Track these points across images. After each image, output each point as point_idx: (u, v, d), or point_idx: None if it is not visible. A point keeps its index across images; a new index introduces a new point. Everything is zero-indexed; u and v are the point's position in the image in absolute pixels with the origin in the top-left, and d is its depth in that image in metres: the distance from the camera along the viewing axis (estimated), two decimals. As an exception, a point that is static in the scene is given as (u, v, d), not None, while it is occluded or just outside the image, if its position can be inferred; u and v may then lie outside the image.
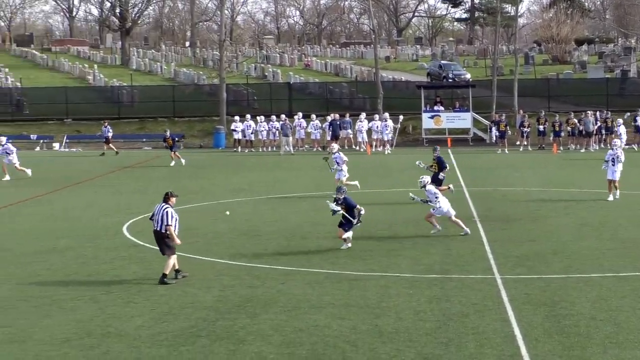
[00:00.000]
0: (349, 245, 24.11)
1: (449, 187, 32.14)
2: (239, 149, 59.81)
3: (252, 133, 60.37)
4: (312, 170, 41.92)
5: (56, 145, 63.97)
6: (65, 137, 64.79)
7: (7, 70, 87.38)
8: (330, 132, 57.94)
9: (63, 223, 29.48)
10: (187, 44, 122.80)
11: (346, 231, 23.78)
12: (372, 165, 39.04)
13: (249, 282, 21.13)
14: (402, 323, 16.67)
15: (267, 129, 59.84)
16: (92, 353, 15.83)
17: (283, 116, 59.35)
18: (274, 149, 59.54)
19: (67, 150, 60.75)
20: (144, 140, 64.82)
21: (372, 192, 35.10)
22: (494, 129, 58.92)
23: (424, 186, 26.77)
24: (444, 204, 26.54)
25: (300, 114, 60.41)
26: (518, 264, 22.45)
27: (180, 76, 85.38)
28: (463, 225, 26.82)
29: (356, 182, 35.37)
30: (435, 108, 62.64)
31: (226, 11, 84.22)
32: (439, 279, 20.76)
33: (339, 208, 23.81)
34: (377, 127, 57.97)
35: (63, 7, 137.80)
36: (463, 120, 63.05)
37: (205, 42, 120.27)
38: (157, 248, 21.86)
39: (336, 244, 24.84)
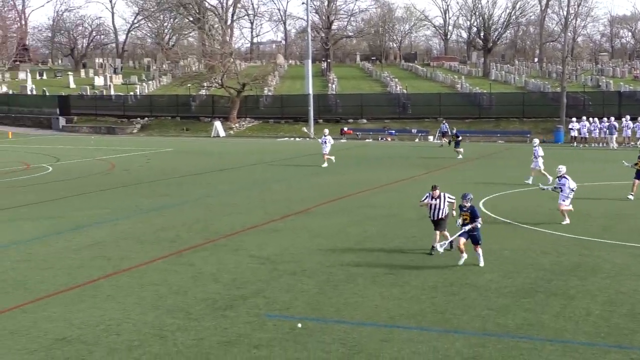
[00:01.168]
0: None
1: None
2: (575, 144, 57.93)
3: (586, 132, 58.68)
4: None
5: (430, 138, 64.90)
6: (438, 132, 65.61)
7: (396, 80, 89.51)
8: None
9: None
10: (536, 59, 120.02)
11: (478, 244, 18.53)
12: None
13: (579, 251, 20.37)
14: None
15: (599, 128, 58.03)
16: (453, 298, 15.96)
17: (612, 118, 57.41)
18: (604, 145, 57.26)
19: (437, 141, 61.24)
20: (498, 135, 64.44)
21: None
22: None
23: (561, 176, 24.19)
24: (569, 193, 24.06)
25: (628, 117, 57.68)
26: None
27: (529, 85, 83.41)
28: (567, 216, 24.10)
29: (547, 174, 33.13)
30: None
31: (569, 34, 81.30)
32: None
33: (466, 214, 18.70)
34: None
35: (440, 32, 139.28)
36: None
37: (551, 58, 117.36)
38: (507, 220, 21.91)
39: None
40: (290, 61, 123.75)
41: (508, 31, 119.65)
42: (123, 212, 27.87)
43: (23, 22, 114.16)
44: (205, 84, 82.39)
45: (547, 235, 22.73)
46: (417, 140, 64.63)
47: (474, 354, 12.89)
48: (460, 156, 47.39)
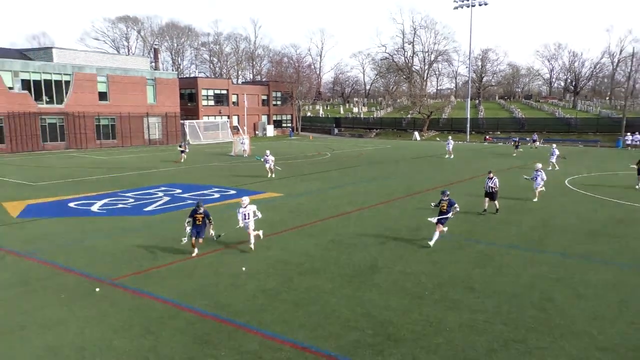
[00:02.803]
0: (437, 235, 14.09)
1: None
2: (629, 148, 50.89)
3: (638, 141, 51.48)
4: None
5: (536, 143, 59.75)
6: (531, 139, 60.42)
7: (518, 110, 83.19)
8: None
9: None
10: (607, 97, 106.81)
11: (442, 224, 14.04)
12: None
13: (624, 211, 18.38)
14: None
15: (646, 139, 50.67)
16: (548, 231, 15.04)
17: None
18: (649, 149, 50.05)
19: (534, 144, 56.51)
20: (579, 142, 58.20)
21: None
22: None
23: (537, 170, 20.47)
24: (540, 181, 20.34)
25: (666, 133, 50.04)
26: None
27: (602, 113, 74.46)
28: (537, 196, 20.41)
29: (556, 165, 30.54)
30: None
31: (630, 82, 71.69)
32: None
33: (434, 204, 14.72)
34: None
35: (547, 82, 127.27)
36: None
37: (618, 96, 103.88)
38: (586, 193, 19.89)
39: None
40: (457, 99, 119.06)
41: (590, 81, 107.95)
42: (363, 178, 28.49)
43: (319, 80, 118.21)
44: (410, 112, 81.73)
45: (611, 202, 20.60)
46: (529, 144, 59.89)
47: (559, 264, 12.19)
48: (515, 154, 43.37)
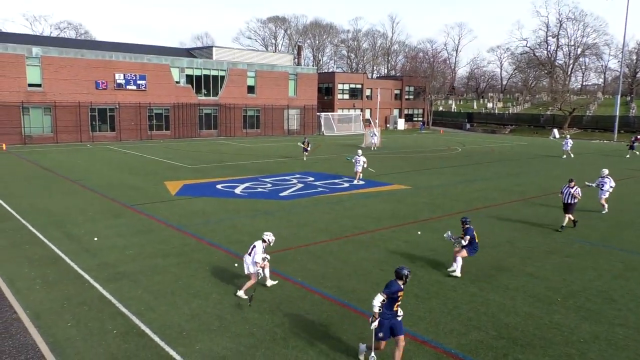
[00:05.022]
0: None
1: None
2: None
3: None
4: None
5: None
6: None
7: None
8: None
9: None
10: None
11: (463, 248, 11.10)
12: None
13: None
14: None
15: None
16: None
17: None
18: None
19: None
20: None
21: None
22: None
23: (603, 176, 17.10)
24: (607, 189, 17.19)
25: None
26: None
27: None
28: (605, 206, 17.21)
29: None
30: None
31: None
32: None
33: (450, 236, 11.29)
34: None
35: None
36: None
37: None
38: None
39: None
40: (605, 95, 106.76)
41: None
42: (494, 175, 26.78)
43: (453, 75, 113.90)
44: (550, 108, 75.36)
45: None
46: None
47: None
48: (628, 155, 37.79)
